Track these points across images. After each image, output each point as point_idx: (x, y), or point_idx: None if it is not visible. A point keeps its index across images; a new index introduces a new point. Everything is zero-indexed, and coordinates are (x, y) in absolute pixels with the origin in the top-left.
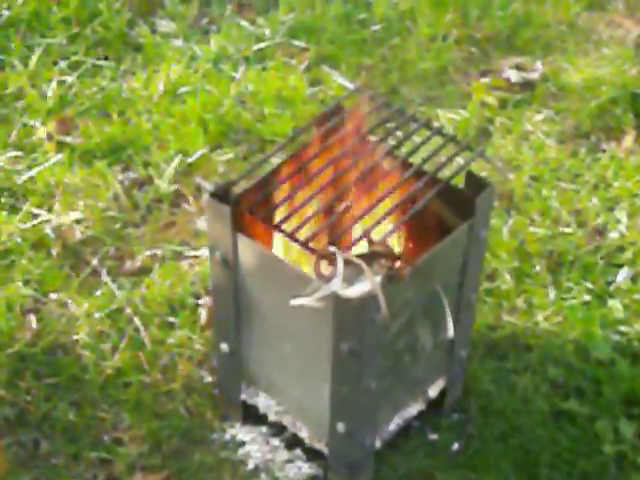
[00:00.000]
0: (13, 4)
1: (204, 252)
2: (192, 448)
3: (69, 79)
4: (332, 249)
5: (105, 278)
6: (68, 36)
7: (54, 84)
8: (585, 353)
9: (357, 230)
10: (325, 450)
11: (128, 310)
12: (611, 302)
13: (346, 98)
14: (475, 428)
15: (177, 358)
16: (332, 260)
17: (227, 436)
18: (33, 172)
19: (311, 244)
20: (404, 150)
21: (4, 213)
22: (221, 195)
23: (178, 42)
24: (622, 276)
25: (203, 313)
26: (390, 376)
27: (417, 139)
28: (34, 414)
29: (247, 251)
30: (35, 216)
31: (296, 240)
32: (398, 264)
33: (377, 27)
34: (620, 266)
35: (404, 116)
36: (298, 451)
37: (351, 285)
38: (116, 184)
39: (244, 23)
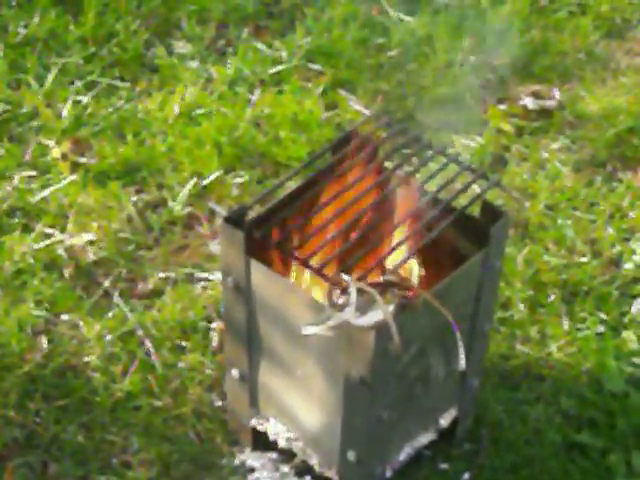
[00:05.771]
0: (30, 22)
1: (217, 275)
2: (201, 473)
3: (84, 99)
4: (345, 277)
5: (117, 300)
6: (84, 56)
7: (69, 104)
8: (598, 385)
9: (371, 258)
10: (335, 478)
11: (139, 333)
12: (625, 333)
13: (362, 124)
14: (486, 458)
15: (188, 382)
16: (345, 288)
17: (236, 461)
18: (47, 192)
19: (324, 271)
20: (419, 177)
21: (17, 233)
22: (235, 220)
23: (194, 64)
24: (637, 307)
25: (215, 337)
26: (402, 405)
27: (433, 166)
28: (43, 436)
29: (260, 277)
30: (48, 236)
31: (310, 267)
32: (411, 293)
33: (394, 52)
34: (635, 297)
35: (420, 143)
36: (308, 478)
37: (364, 314)
38: (130, 206)
39: (261, 46)
